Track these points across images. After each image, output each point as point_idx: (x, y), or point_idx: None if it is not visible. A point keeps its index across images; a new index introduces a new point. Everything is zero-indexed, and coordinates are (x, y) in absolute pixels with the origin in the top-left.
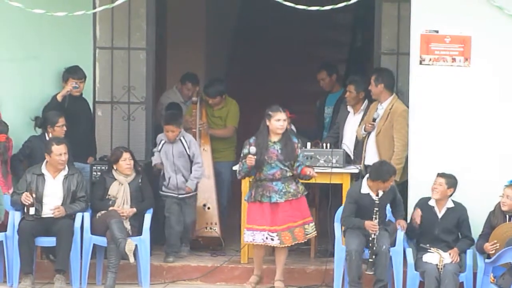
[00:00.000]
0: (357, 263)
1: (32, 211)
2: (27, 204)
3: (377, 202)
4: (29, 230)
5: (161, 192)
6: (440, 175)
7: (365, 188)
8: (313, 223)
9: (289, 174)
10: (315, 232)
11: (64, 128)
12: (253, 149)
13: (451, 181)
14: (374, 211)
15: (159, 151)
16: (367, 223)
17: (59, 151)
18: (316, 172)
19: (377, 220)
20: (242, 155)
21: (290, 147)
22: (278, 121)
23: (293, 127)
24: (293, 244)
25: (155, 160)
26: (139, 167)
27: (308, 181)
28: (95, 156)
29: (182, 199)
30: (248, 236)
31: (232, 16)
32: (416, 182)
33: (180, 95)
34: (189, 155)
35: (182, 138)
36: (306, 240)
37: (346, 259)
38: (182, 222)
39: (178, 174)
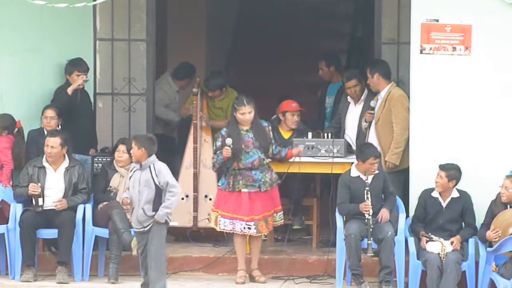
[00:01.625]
0: (356, 246)
1: (40, 201)
2: (36, 194)
3: (367, 181)
4: (30, 222)
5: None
6: (441, 167)
7: (354, 171)
8: (281, 212)
9: (265, 161)
10: (282, 220)
11: (54, 121)
12: (229, 140)
13: (452, 174)
14: (365, 190)
15: (129, 179)
16: (361, 204)
17: (47, 143)
18: (318, 162)
19: (369, 200)
20: (214, 147)
21: (262, 132)
22: (243, 114)
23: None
24: (266, 233)
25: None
26: None
27: (307, 171)
28: (97, 148)
29: (147, 232)
30: (227, 225)
31: (233, 6)
32: (417, 171)
33: (174, 84)
34: (156, 185)
35: (152, 166)
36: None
37: (345, 243)
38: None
39: (140, 206)
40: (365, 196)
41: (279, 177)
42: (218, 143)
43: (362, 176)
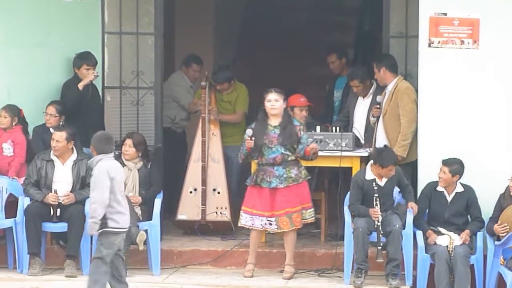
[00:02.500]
0: (364, 240)
1: (58, 212)
2: (54, 204)
3: (376, 188)
4: (36, 211)
5: None
6: (444, 162)
7: (369, 174)
8: (312, 210)
9: (290, 158)
10: (313, 218)
11: (54, 118)
12: (249, 131)
13: (455, 168)
14: (374, 197)
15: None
16: (371, 210)
17: (53, 137)
18: (326, 156)
19: (379, 206)
20: (243, 138)
21: (289, 130)
22: (269, 101)
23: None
24: (290, 229)
25: None
26: (146, 153)
27: (315, 164)
28: None
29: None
30: (247, 220)
31: (241, 1)
32: (425, 164)
33: (187, 78)
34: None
35: (96, 164)
36: (301, 226)
37: (353, 237)
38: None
39: None
40: (374, 203)
41: (309, 174)
42: (245, 135)
43: (378, 181)
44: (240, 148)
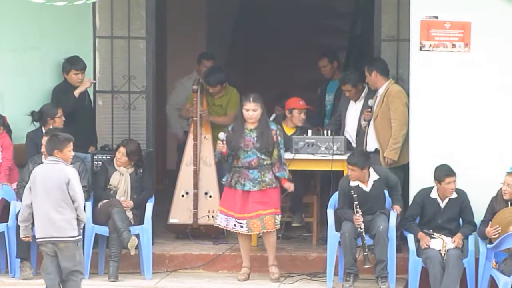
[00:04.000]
0: (351, 244)
1: None
2: None
3: (355, 195)
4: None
5: None
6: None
7: (354, 181)
8: (279, 216)
9: (266, 162)
10: (278, 226)
11: (63, 118)
12: (221, 135)
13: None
14: (355, 204)
15: None
16: (354, 217)
17: (43, 142)
18: (318, 160)
19: (360, 213)
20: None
21: (266, 135)
22: (247, 111)
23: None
24: (261, 232)
25: None
26: (139, 161)
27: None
28: (96, 146)
29: None
30: (222, 220)
31: (233, 5)
32: (417, 168)
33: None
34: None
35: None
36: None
37: (340, 241)
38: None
39: None
40: (355, 210)
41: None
42: (221, 137)
43: (363, 186)
44: (216, 150)
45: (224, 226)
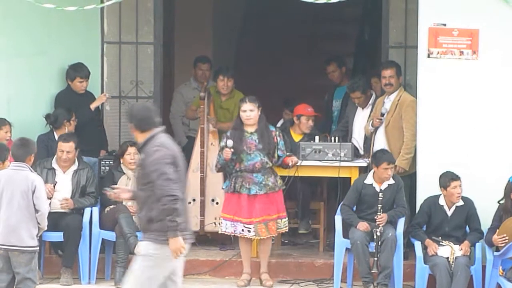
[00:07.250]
0: (364, 252)
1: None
2: (49, 197)
3: (381, 199)
4: None
5: None
6: (457, 178)
7: (369, 179)
8: (286, 219)
9: (268, 165)
10: (287, 228)
11: (75, 122)
12: (230, 143)
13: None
14: (378, 207)
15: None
16: (360, 224)
17: (62, 148)
18: (325, 166)
19: (381, 214)
20: (219, 148)
21: (267, 136)
22: (244, 112)
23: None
24: (268, 237)
25: None
26: None
27: (313, 174)
28: (107, 149)
29: None
30: (228, 227)
31: (239, 11)
32: (424, 176)
33: (196, 83)
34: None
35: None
36: (276, 235)
37: (352, 250)
38: None
39: None
40: (378, 213)
41: (284, 182)
42: (222, 143)
43: (376, 186)
44: (217, 157)
45: (232, 232)
